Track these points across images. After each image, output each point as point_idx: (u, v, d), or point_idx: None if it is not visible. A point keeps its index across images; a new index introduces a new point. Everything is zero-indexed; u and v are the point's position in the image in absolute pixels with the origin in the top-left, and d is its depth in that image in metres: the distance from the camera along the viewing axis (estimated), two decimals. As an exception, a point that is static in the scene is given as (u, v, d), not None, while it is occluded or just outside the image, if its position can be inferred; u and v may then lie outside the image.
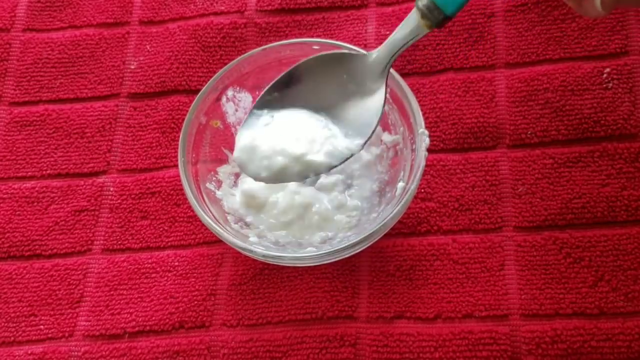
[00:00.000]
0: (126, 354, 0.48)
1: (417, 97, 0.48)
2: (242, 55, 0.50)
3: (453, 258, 0.48)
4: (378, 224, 0.44)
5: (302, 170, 0.45)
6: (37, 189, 0.54)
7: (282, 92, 0.46)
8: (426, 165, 0.48)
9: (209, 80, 0.49)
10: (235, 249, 0.46)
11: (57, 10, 0.60)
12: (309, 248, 0.47)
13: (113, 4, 0.60)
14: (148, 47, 0.58)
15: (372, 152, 0.51)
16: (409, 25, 0.43)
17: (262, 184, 0.48)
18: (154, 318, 0.49)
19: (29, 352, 0.49)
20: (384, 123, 0.50)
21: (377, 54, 0.45)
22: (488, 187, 0.50)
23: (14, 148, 0.56)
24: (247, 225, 0.49)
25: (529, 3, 0.55)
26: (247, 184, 0.50)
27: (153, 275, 0.50)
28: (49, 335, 0.49)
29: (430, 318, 0.47)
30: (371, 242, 0.46)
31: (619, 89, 0.51)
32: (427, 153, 0.45)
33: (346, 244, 0.44)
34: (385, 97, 0.45)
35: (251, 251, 0.45)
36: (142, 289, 0.50)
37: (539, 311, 0.46)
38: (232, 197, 0.50)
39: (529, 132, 0.51)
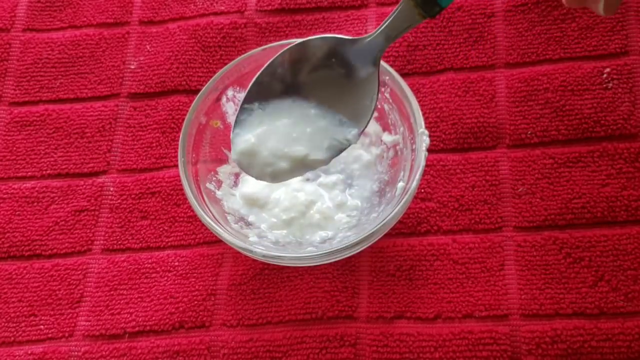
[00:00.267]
0: (126, 354, 0.48)
1: (417, 97, 0.48)
2: (242, 55, 0.50)
3: (453, 258, 0.48)
4: (378, 224, 0.44)
5: (305, 169, 0.45)
6: (37, 189, 0.54)
7: (270, 83, 0.45)
8: (426, 165, 0.48)
9: (209, 80, 0.49)
10: (235, 249, 0.46)
11: (57, 10, 0.60)
12: (309, 248, 0.47)
13: (113, 4, 0.60)
14: (148, 47, 0.58)
15: (372, 152, 0.51)
16: (403, 13, 0.42)
17: (263, 183, 0.48)
18: (154, 318, 0.49)
19: (29, 352, 0.49)
20: (384, 123, 0.50)
21: (371, 39, 0.44)
22: (488, 187, 0.50)
23: (14, 148, 0.56)
24: (248, 225, 0.49)
25: (529, 3, 0.55)
26: (248, 185, 0.50)
27: (153, 275, 0.50)
28: (49, 335, 0.49)
29: (430, 318, 0.47)
30: (371, 242, 0.46)
31: (619, 89, 0.51)
32: (427, 153, 0.45)
33: (346, 244, 0.44)
34: (379, 85, 0.44)
35: (251, 251, 0.45)
36: (142, 289, 0.50)
37: (539, 311, 0.46)
38: (232, 197, 0.50)
39: (529, 132, 0.51)
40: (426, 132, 0.46)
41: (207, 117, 0.49)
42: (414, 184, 0.45)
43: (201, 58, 0.56)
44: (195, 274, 0.50)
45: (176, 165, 0.53)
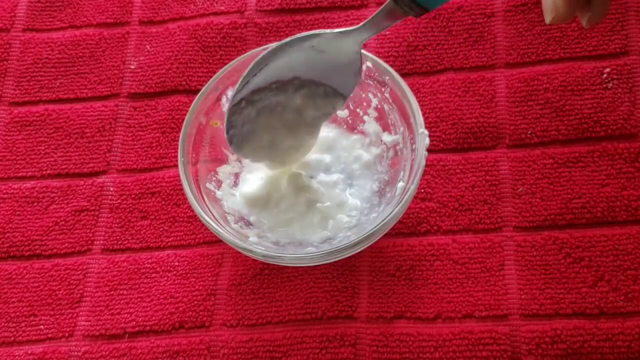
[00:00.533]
0: (126, 354, 0.48)
1: (417, 97, 0.48)
2: (242, 55, 0.50)
3: (453, 258, 0.48)
4: (378, 224, 0.44)
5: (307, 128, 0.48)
6: (37, 189, 0.54)
7: (250, 81, 0.45)
8: (426, 165, 0.49)
9: (209, 80, 0.49)
10: (235, 249, 0.46)
11: (57, 10, 0.60)
12: (309, 248, 0.47)
13: (113, 4, 0.60)
14: (148, 47, 0.58)
15: (372, 152, 0.51)
16: (388, 9, 0.42)
17: (263, 183, 0.48)
18: (154, 318, 0.49)
19: (29, 352, 0.49)
20: (384, 123, 0.50)
21: (356, 30, 0.43)
22: (488, 187, 0.50)
23: (14, 148, 0.56)
24: (248, 225, 0.49)
25: (529, 3, 0.55)
26: (248, 185, 0.50)
27: (153, 275, 0.50)
28: (49, 335, 0.49)
29: (430, 318, 0.47)
30: (371, 242, 0.46)
31: (619, 89, 0.51)
32: (427, 153, 0.45)
33: (346, 244, 0.44)
34: (362, 63, 0.45)
35: (251, 251, 0.45)
36: (142, 289, 0.50)
37: (539, 311, 0.46)
38: (232, 197, 0.50)
39: (529, 132, 0.51)
40: (426, 132, 0.46)
41: (207, 117, 0.49)
42: (414, 184, 0.45)
43: (201, 58, 0.56)
44: (195, 274, 0.50)
45: (176, 165, 0.53)
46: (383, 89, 0.49)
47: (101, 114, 0.56)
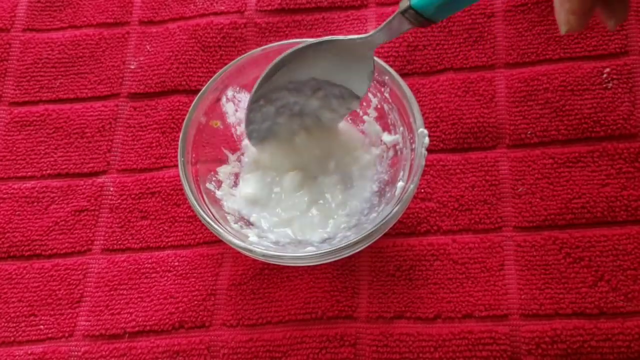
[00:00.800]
0: (126, 354, 0.48)
1: (417, 97, 0.48)
2: (242, 55, 0.50)
3: (453, 258, 0.48)
4: (378, 223, 0.44)
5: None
6: (37, 189, 0.54)
7: (269, 81, 0.47)
8: (426, 165, 0.49)
9: (209, 80, 0.49)
10: (235, 249, 0.46)
11: (57, 10, 0.60)
12: (309, 248, 0.47)
13: (113, 4, 0.60)
14: (148, 47, 0.58)
15: (371, 152, 0.51)
16: (398, 19, 0.43)
17: (263, 183, 0.49)
18: (154, 318, 0.49)
19: (29, 352, 0.49)
20: (383, 123, 0.50)
21: (370, 37, 0.45)
22: (488, 187, 0.50)
23: (14, 148, 0.56)
24: (248, 225, 0.49)
25: (529, 3, 0.55)
26: (248, 185, 0.50)
27: (153, 275, 0.50)
28: (49, 335, 0.49)
29: (430, 318, 0.47)
30: (371, 242, 0.46)
31: (619, 89, 0.51)
32: (426, 153, 0.45)
33: (346, 244, 0.44)
34: (374, 65, 0.47)
35: (251, 251, 0.45)
36: (142, 289, 0.50)
37: (539, 311, 0.46)
38: (232, 197, 0.50)
39: (529, 132, 0.51)
40: (426, 132, 0.46)
41: (207, 117, 0.49)
42: (414, 184, 0.45)
43: (201, 58, 0.57)
44: (195, 274, 0.50)
45: (176, 165, 0.53)
46: (383, 89, 0.49)
47: (101, 114, 0.56)
